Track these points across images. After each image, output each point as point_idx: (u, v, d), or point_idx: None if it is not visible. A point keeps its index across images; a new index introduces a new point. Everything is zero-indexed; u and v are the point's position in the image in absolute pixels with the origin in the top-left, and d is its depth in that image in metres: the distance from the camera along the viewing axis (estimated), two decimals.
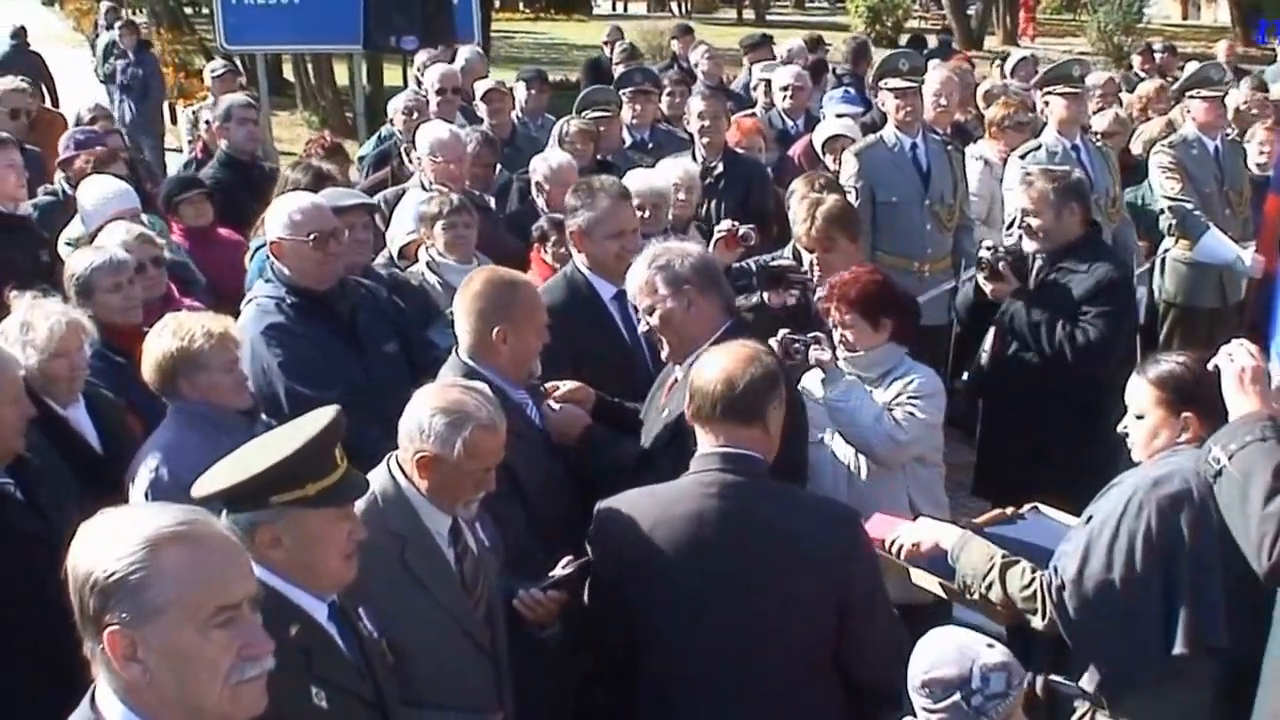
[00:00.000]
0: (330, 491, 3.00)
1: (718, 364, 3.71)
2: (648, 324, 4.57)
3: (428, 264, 6.17)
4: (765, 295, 5.72)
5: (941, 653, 3.25)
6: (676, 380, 4.51)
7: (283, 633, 2.79)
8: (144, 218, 6.59)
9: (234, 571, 2.24)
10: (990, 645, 3.26)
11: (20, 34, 16.70)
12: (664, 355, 4.60)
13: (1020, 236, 6.15)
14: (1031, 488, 5.07)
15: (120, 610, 2.13)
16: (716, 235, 6.25)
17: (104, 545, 2.16)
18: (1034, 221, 5.96)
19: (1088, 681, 3.85)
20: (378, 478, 3.56)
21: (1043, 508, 4.68)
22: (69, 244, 6.43)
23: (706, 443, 3.71)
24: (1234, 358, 3.75)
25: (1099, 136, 8.78)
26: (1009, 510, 4.70)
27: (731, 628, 3.62)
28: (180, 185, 7.67)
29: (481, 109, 9.42)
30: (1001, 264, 6.01)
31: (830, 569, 3.65)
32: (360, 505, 3.22)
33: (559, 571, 3.83)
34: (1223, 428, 3.67)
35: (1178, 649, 3.72)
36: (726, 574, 3.60)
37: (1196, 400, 3.85)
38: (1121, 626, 3.79)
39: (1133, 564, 3.75)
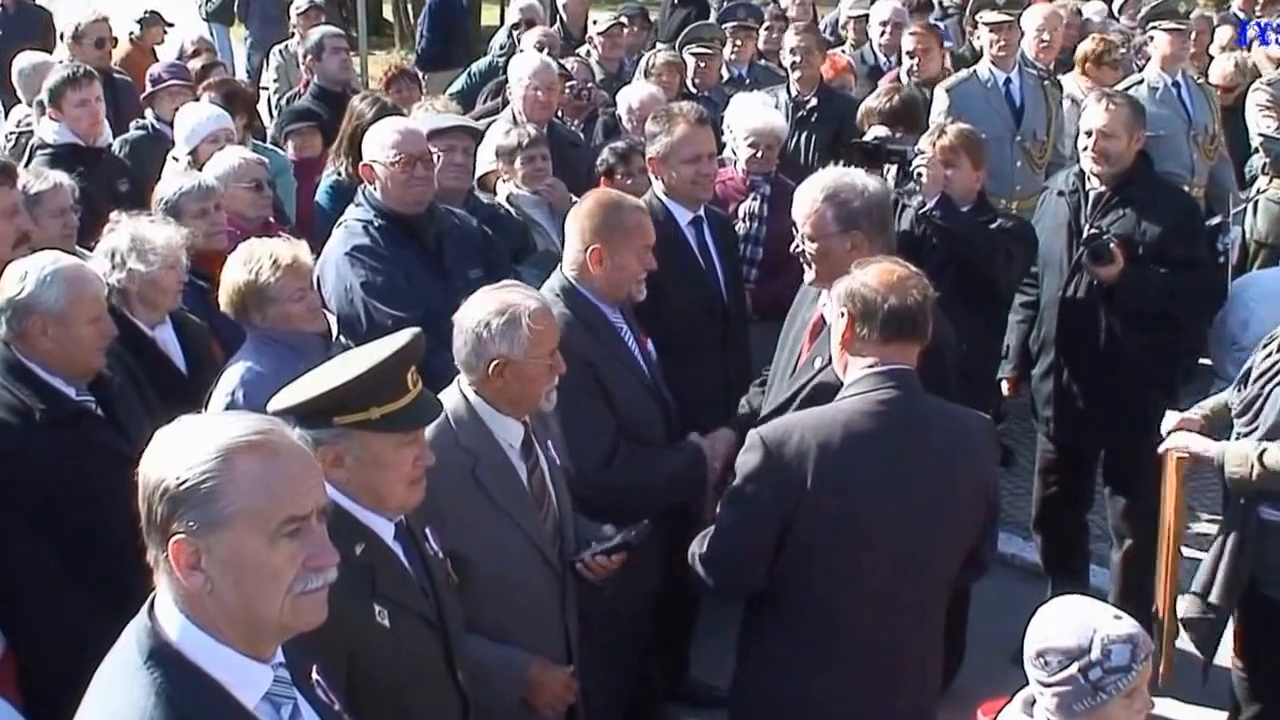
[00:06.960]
0: (395, 416, 2.95)
1: (880, 286, 3.58)
2: (802, 245, 4.32)
3: (507, 198, 6.11)
4: None
5: (1061, 621, 2.94)
6: (822, 318, 4.28)
7: (347, 550, 2.78)
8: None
9: (306, 482, 2.20)
10: (1118, 616, 2.93)
11: None
12: (808, 278, 4.37)
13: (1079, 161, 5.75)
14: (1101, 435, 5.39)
15: (188, 519, 2.10)
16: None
17: (177, 453, 2.13)
18: (1110, 146, 5.53)
19: None
20: (449, 397, 3.57)
21: None
22: None
23: (865, 361, 3.59)
24: None
25: (1219, 90, 8.50)
26: None
27: (912, 542, 3.56)
28: (293, 116, 7.74)
29: (596, 43, 9.28)
30: (1112, 244, 5.46)
31: (986, 468, 3.79)
32: (430, 427, 3.17)
33: (623, 535, 3.82)
34: None
35: None
36: (916, 489, 3.54)
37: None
38: None
39: None
